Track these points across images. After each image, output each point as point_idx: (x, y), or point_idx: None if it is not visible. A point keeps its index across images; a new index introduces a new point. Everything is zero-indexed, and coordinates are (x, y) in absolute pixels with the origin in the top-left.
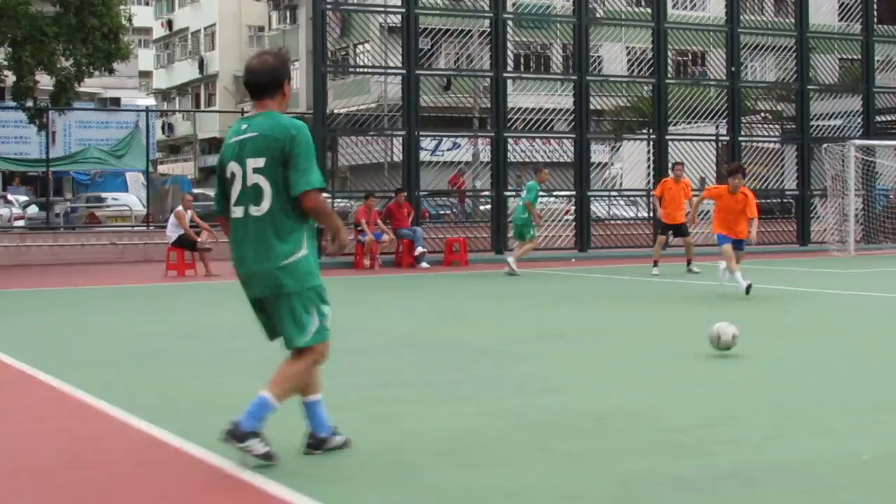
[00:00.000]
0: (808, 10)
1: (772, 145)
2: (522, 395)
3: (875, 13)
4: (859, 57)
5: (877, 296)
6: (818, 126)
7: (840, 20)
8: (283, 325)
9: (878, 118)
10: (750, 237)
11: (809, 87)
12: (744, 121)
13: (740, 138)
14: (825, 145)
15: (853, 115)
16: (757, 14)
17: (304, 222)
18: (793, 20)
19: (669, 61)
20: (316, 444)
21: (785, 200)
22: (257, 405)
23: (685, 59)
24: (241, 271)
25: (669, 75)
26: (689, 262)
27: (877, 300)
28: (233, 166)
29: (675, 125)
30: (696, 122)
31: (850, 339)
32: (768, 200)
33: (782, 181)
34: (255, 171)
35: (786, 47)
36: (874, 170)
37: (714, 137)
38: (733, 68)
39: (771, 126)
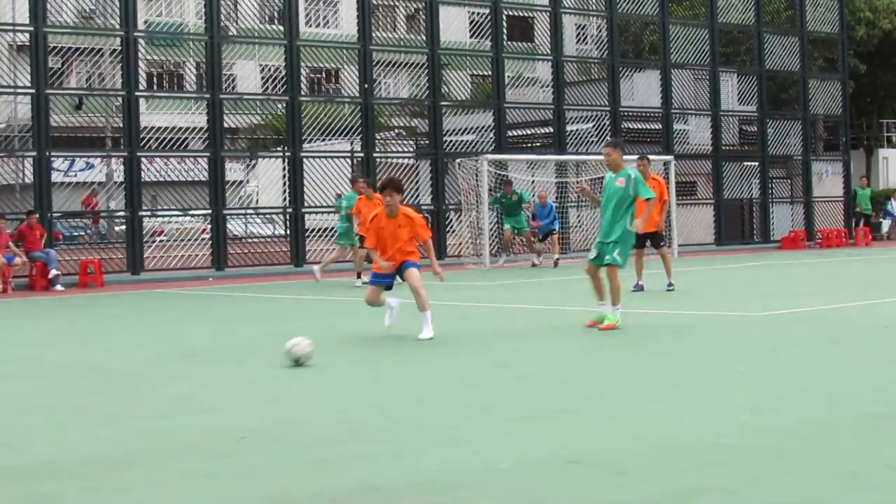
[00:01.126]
0: (439, 27)
1: (406, 160)
2: (161, 417)
3: (505, 30)
4: (490, 73)
5: (514, 307)
6: (452, 141)
7: (471, 37)
8: None
9: (509, 133)
10: (434, 270)
11: (442, 103)
12: (378, 137)
13: (375, 154)
14: (458, 160)
15: (486, 130)
16: (390, 31)
17: None
18: (425, 37)
19: (303, 78)
20: None
21: (423, 215)
22: None
23: (319, 76)
24: None
25: (303, 92)
26: (358, 275)
27: (515, 311)
28: None
29: (310, 142)
30: (331, 139)
31: (489, 351)
32: None
33: (417, 196)
34: None
35: (418, 64)
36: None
37: (349, 154)
38: (366, 85)
39: (405, 142)
